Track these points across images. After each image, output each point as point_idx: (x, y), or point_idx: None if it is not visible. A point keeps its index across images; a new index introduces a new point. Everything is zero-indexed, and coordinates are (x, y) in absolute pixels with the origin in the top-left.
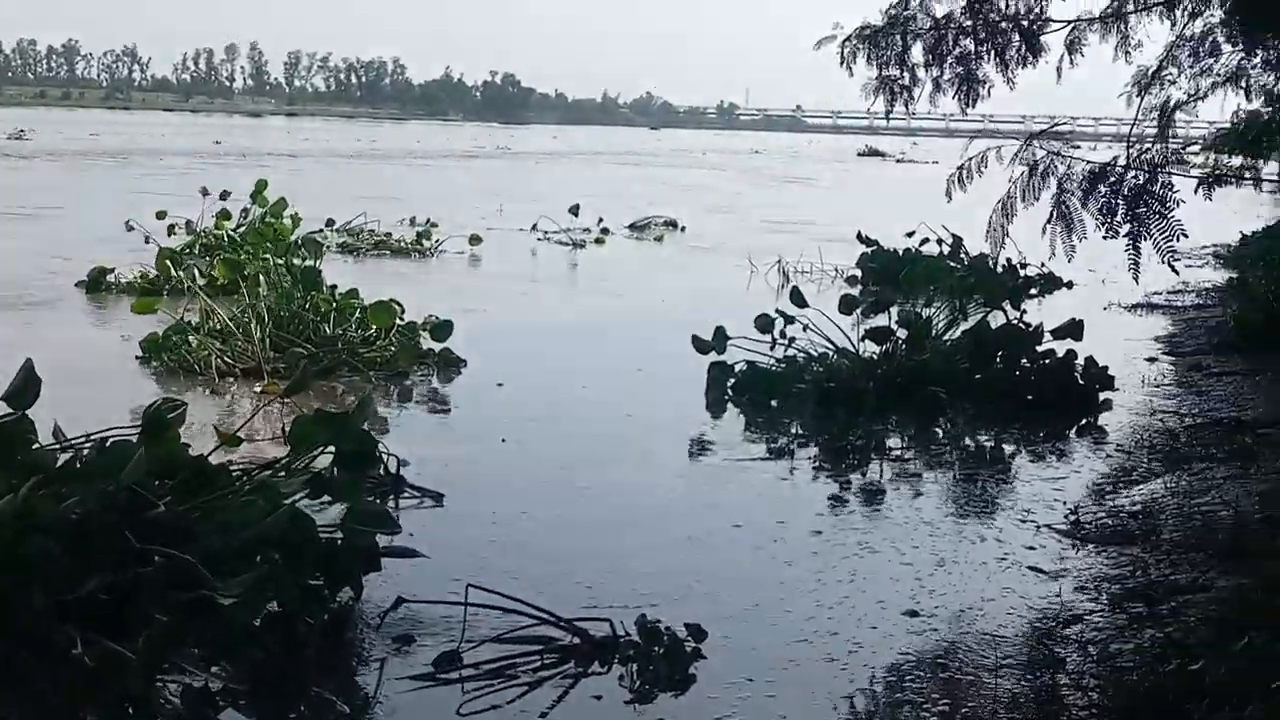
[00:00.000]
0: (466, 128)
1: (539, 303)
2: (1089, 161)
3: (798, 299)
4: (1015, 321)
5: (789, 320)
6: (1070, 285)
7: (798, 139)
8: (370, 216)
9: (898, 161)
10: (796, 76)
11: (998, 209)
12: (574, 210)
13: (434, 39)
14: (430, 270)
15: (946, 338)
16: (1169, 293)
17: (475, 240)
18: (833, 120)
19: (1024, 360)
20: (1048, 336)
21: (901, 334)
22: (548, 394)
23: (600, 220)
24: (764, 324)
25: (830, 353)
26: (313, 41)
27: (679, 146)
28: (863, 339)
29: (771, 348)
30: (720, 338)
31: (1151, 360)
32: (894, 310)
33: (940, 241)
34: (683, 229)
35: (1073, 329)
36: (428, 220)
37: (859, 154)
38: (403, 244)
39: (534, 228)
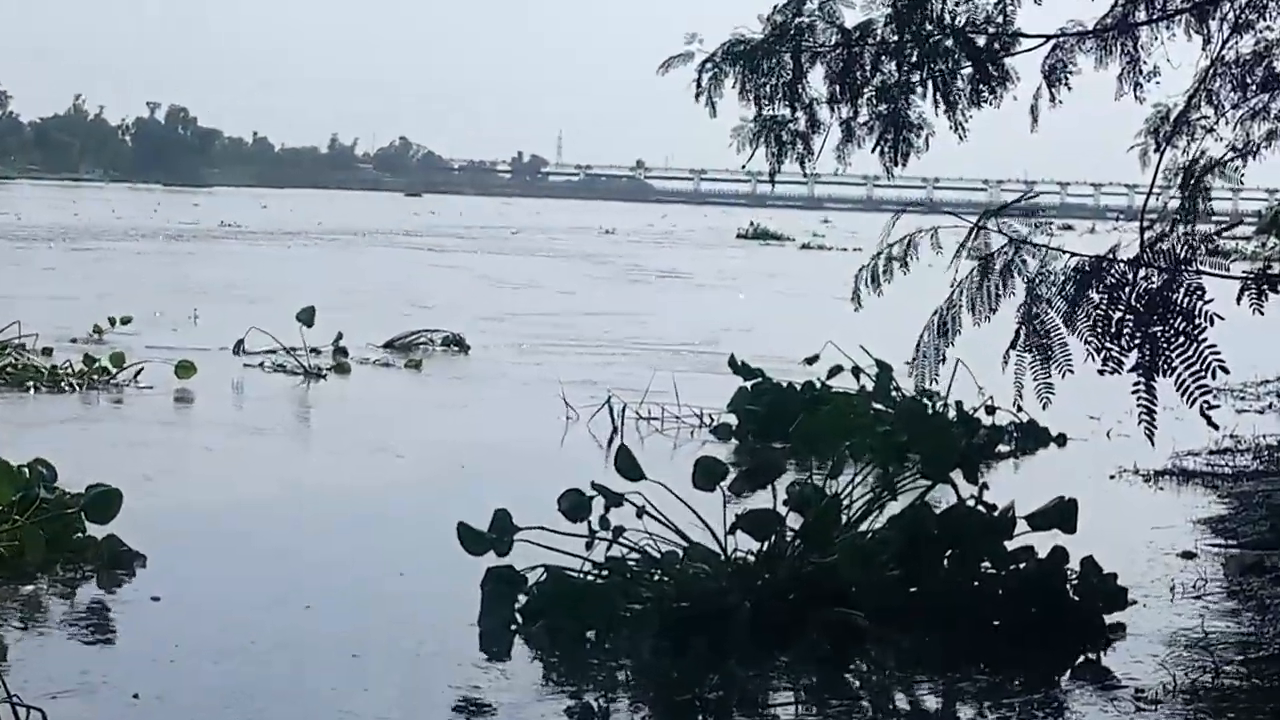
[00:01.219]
0: (110, 191)
1: (260, 466)
2: (1073, 254)
3: (627, 465)
4: (972, 501)
5: (614, 500)
6: (1061, 441)
7: (638, 212)
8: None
9: (803, 248)
10: (635, 120)
11: (932, 325)
12: (305, 318)
13: (58, 56)
14: (107, 414)
15: (866, 527)
16: (1211, 452)
17: (186, 370)
18: (693, 183)
19: (986, 564)
20: (1023, 525)
21: (794, 522)
22: (243, 618)
23: (337, 339)
24: (575, 506)
25: (681, 552)
26: None
27: (462, 222)
28: (732, 530)
29: (588, 545)
30: (502, 529)
31: (1187, 558)
32: (784, 483)
33: (858, 371)
34: (465, 349)
35: (1061, 514)
36: (115, 324)
37: (740, 235)
38: (67, 373)
39: (239, 348)
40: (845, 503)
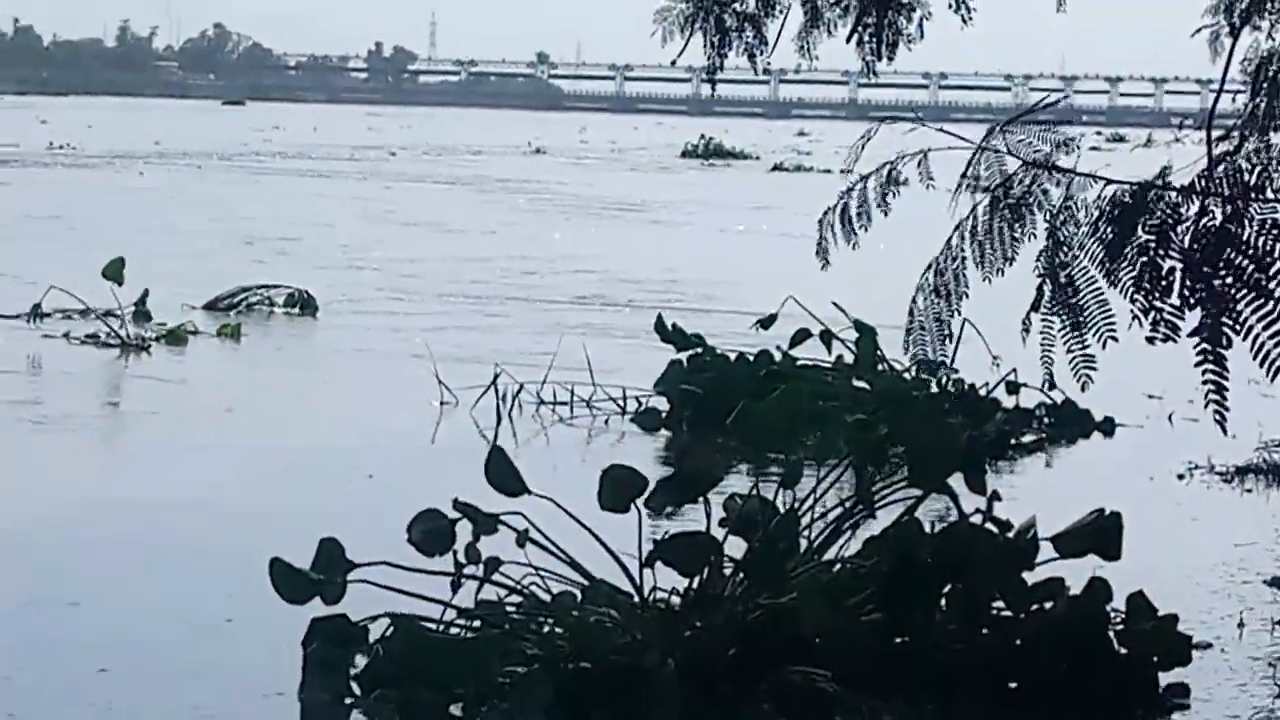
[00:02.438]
0: None
1: (41, 474)
2: (1110, 180)
3: (502, 475)
4: (979, 518)
5: (486, 524)
6: (1108, 428)
7: (546, 123)
8: None
9: (775, 169)
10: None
11: (927, 284)
12: (112, 274)
13: None
14: None
15: (833, 555)
16: None
17: None
18: (615, 84)
19: (999, 603)
20: (1049, 549)
21: (736, 549)
22: None
23: (142, 298)
24: (431, 534)
25: (579, 594)
26: None
27: (320, 141)
28: (649, 562)
29: (453, 587)
30: (331, 566)
31: (1277, 585)
32: (723, 495)
33: (827, 336)
34: (314, 311)
35: (1099, 535)
36: None
37: (686, 154)
38: None
39: (35, 314)
40: (805, 522)
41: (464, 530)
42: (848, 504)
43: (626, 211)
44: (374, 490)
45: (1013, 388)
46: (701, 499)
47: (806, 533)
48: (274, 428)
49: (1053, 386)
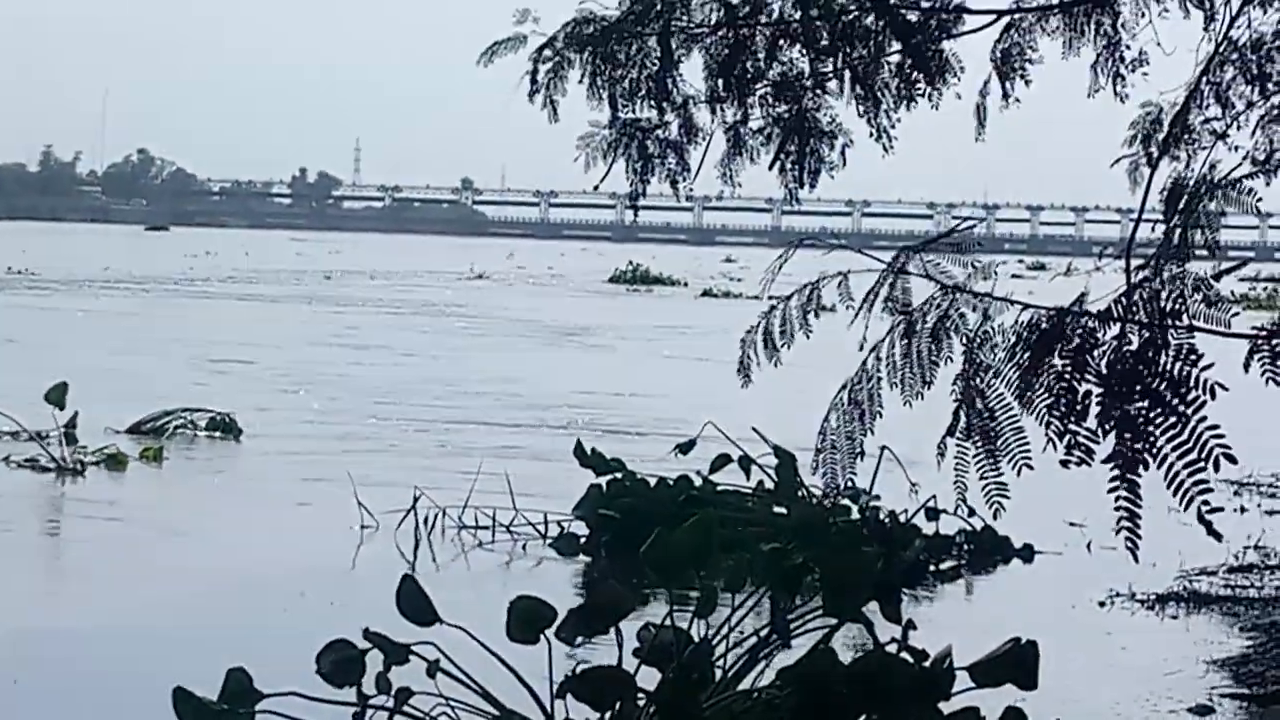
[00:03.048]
0: None
1: None
2: (1026, 305)
3: (414, 604)
4: (893, 646)
5: (396, 655)
6: (1027, 555)
7: (472, 249)
8: None
9: (704, 295)
10: (459, 127)
11: (840, 405)
12: (55, 398)
13: None
14: None
15: (748, 685)
16: (1230, 570)
17: None
18: (539, 210)
19: None
20: (963, 677)
21: (649, 679)
22: None
23: (70, 421)
24: (340, 664)
25: None
26: None
27: (254, 265)
28: (560, 694)
29: (356, 718)
30: (238, 697)
31: (1201, 715)
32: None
33: (746, 462)
34: (237, 435)
35: (1015, 663)
36: None
37: (615, 279)
38: None
39: None
40: (720, 651)
41: (376, 660)
42: (763, 633)
43: (573, 335)
44: (289, 617)
45: (932, 514)
46: (611, 624)
47: (721, 662)
48: (193, 552)
49: (972, 514)
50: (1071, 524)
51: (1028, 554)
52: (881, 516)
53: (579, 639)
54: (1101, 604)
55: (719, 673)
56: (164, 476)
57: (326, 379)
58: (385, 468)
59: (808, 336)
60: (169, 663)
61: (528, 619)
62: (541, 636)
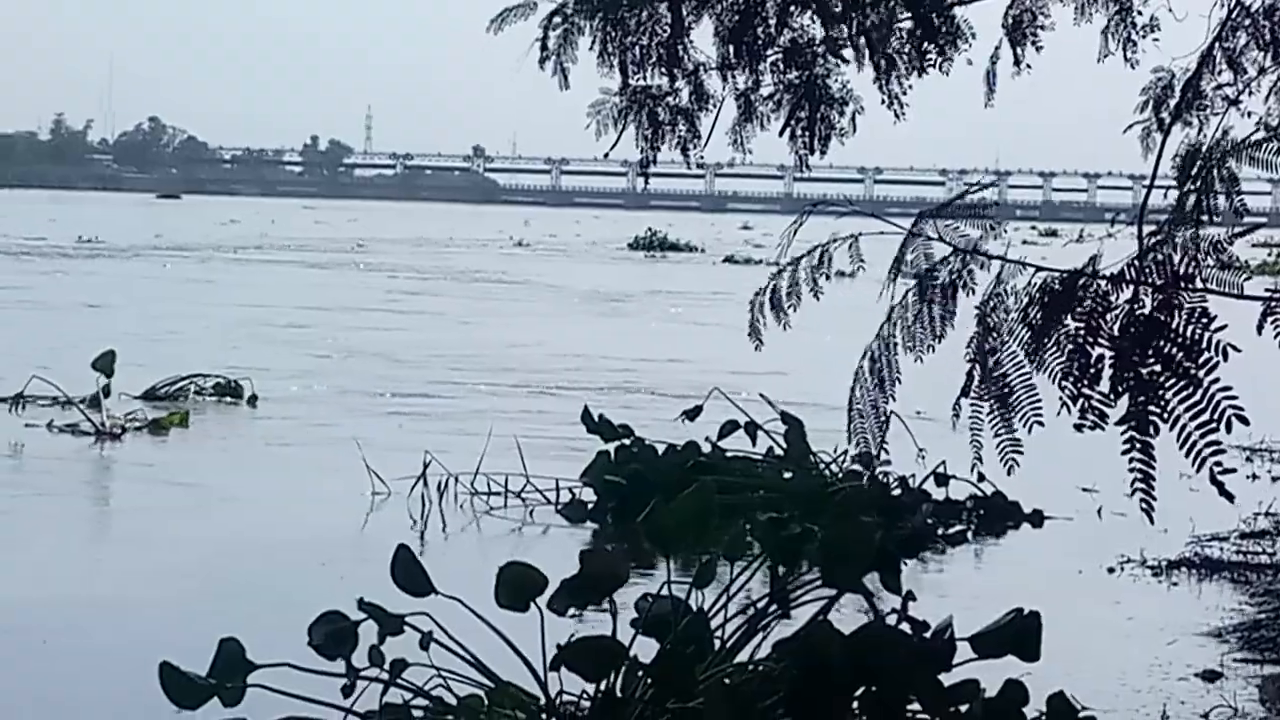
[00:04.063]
0: None
1: None
2: (1039, 267)
3: (408, 574)
4: (894, 615)
5: (390, 625)
6: (1037, 520)
7: (485, 217)
8: None
9: (727, 260)
10: (470, 94)
11: (863, 373)
12: (103, 366)
13: None
14: None
15: (745, 658)
16: (1242, 535)
17: None
18: (551, 178)
19: (914, 706)
20: (965, 648)
21: (645, 649)
22: None
23: (104, 387)
24: (332, 637)
25: (485, 698)
26: None
27: (281, 232)
28: (554, 665)
29: (346, 690)
30: (229, 669)
31: (1209, 679)
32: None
33: (751, 427)
34: (252, 400)
35: (1016, 635)
36: None
37: (633, 245)
38: None
39: (18, 402)
40: (718, 622)
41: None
42: (758, 605)
43: (616, 302)
44: (287, 583)
45: (941, 480)
46: (607, 599)
47: (720, 634)
48: (205, 520)
49: (982, 479)
50: (1084, 490)
51: (1037, 519)
52: (890, 482)
53: (571, 609)
54: (1111, 570)
55: (718, 643)
56: (185, 442)
57: (372, 344)
58: (413, 432)
59: (817, 298)
60: (169, 632)
61: (517, 586)
62: (529, 606)
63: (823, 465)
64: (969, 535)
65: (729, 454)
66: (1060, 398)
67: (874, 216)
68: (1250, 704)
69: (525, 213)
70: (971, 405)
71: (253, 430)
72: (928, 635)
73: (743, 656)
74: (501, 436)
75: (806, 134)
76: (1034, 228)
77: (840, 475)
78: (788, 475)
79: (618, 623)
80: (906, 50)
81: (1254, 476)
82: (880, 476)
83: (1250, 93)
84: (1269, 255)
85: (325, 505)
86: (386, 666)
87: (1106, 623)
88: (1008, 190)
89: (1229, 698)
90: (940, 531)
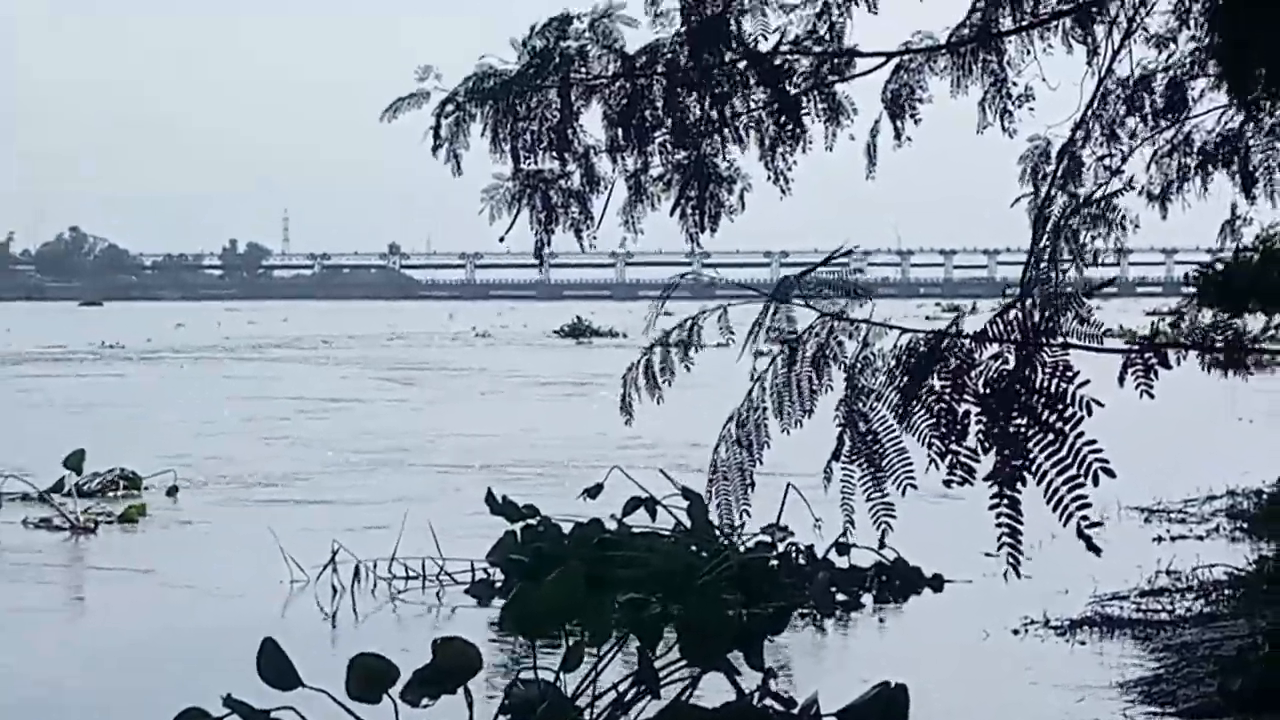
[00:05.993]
0: None
1: None
2: (904, 329)
3: (275, 668)
4: (759, 700)
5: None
6: (937, 584)
7: (405, 312)
8: None
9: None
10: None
11: (728, 436)
12: (73, 464)
13: None
14: None
15: None
16: (1142, 593)
17: None
18: (466, 271)
19: None
20: None
21: None
22: None
23: (58, 483)
24: None
25: None
26: None
27: (220, 334)
28: None
29: None
30: None
31: None
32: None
33: (653, 505)
34: (171, 491)
35: (884, 708)
36: None
37: (559, 333)
38: None
39: None
40: (587, 702)
41: None
42: (625, 685)
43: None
44: (198, 676)
45: (843, 548)
46: (459, 690)
47: (589, 714)
48: (110, 616)
49: (882, 545)
50: (986, 554)
51: (938, 584)
52: (794, 553)
53: (422, 701)
54: (1015, 631)
55: None
56: (113, 539)
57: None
58: (327, 519)
59: (688, 370)
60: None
61: (368, 678)
62: (380, 697)
63: (722, 538)
64: (863, 602)
65: (634, 530)
66: (929, 454)
67: (743, 287)
68: None
69: (447, 307)
70: (843, 469)
71: (205, 517)
72: (796, 710)
73: None
74: (423, 519)
75: (696, 213)
76: (938, 304)
77: (747, 548)
78: (650, 553)
79: (474, 712)
80: (784, 129)
81: (1159, 539)
82: (788, 546)
83: (1123, 160)
84: (1163, 322)
85: (246, 596)
86: None
87: (1014, 682)
88: (911, 270)
89: None
90: (840, 599)
